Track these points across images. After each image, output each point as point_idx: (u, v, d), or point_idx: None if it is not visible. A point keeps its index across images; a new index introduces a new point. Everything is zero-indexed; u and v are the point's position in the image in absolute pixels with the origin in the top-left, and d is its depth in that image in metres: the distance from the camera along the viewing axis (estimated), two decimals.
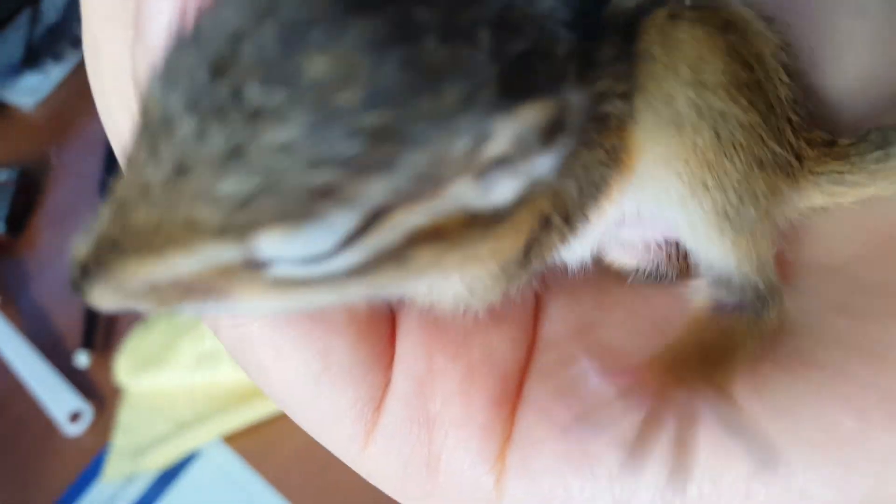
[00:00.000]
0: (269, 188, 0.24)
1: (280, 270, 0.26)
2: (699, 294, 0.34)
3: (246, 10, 0.25)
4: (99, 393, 1.03)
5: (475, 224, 0.27)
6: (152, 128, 0.25)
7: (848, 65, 0.35)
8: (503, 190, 0.27)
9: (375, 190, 0.24)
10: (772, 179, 0.32)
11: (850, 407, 0.29)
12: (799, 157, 0.33)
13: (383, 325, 0.37)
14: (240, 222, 0.24)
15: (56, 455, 1.00)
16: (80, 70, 1.35)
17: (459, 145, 0.24)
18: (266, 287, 0.27)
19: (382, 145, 0.24)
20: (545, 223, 0.31)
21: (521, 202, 0.28)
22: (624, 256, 0.37)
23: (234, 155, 0.24)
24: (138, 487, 0.94)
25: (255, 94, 0.24)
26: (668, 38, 0.30)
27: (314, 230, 0.25)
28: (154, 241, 0.25)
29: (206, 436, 0.93)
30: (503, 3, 0.26)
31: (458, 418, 0.33)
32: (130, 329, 1.03)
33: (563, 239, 0.33)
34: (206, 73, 0.24)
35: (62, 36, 1.36)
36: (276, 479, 0.91)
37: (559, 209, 0.31)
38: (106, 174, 1.20)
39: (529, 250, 0.32)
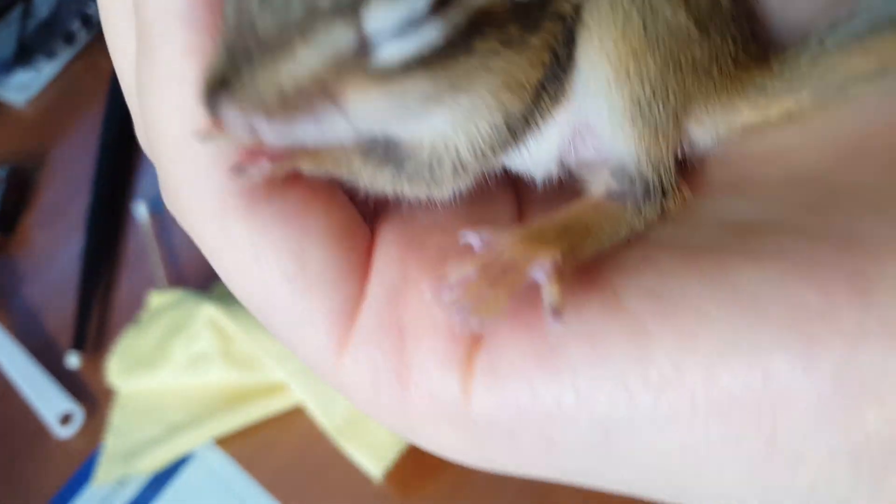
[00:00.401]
0: None
1: (384, 53, 0.30)
2: (596, 180, 0.37)
3: None
4: (90, 394, 1.02)
5: (514, 18, 0.32)
6: None
7: None
8: None
9: None
10: (688, 84, 0.34)
11: (815, 285, 0.29)
12: (723, 68, 0.35)
13: (361, 236, 0.38)
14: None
15: (47, 457, 0.99)
16: (72, 67, 1.34)
17: None
18: (372, 83, 0.30)
19: None
20: (551, 62, 0.34)
21: (543, 8, 0.32)
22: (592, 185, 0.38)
23: None
24: (130, 490, 0.93)
25: None
26: None
27: None
28: (283, 41, 0.29)
29: (198, 439, 0.92)
30: None
31: (429, 324, 0.33)
32: (122, 330, 1.02)
33: (551, 97, 0.35)
34: None
35: (54, 32, 1.34)
36: (269, 483, 0.90)
37: (558, 45, 0.34)
38: (98, 172, 1.19)
39: (537, 98, 0.35)
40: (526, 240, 0.34)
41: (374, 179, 0.38)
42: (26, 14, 1.37)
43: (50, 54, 1.33)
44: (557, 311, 0.31)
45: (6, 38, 1.36)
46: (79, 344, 1.05)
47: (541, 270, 0.32)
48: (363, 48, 0.30)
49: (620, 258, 0.33)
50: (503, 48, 0.32)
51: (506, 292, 0.32)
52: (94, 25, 1.34)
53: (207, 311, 0.94)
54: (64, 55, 1.34)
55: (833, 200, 0.32)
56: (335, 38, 0.29)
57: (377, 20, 0.29)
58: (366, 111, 0.32)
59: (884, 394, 0.27)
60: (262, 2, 0.29)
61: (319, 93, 0.30)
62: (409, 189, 0.38)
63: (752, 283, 0.30)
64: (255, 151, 0.34)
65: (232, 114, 0.30)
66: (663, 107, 0.34)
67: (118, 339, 1.00)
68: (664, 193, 0.36)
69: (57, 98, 1.32)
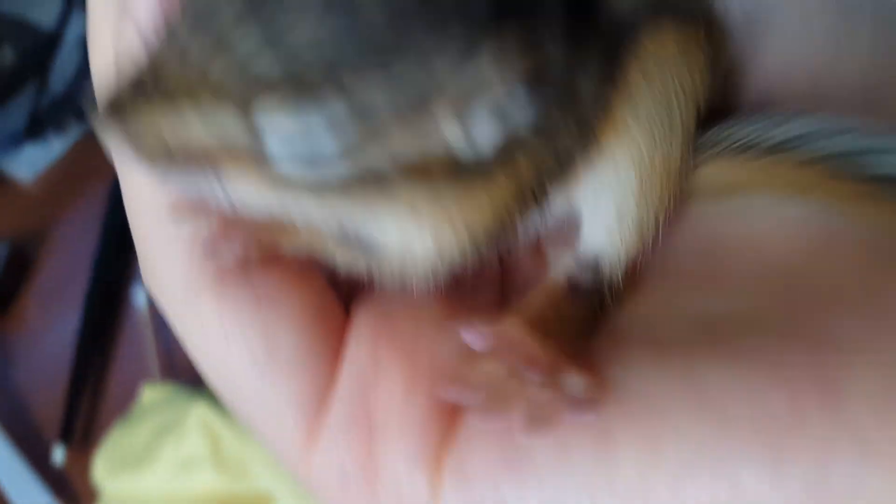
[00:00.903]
0: (288, 71, 0.27)
1: (281, 166, 0.29)
2: (563, 269, 0.38)
3: None
4: (73, 493, 0.98)
5: (458, 176, 0.30)
6: (199, 10, 0.29)
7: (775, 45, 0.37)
8: (484, 133, 0.29)
9: (372, 88, 0.27)
10: (670, 189, 0.36)
11: (784, 391, 0.28)
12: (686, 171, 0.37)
13: (334, 319, 0.37)
14: (249, 91, 0.27)
15: None
16: (82, 144, 1.34)
17: (443, 60, 0.27)
18: (263, 178, 0.30)
19: (389, 52, 0.27)
20: (519, 192, 0.33)
21: (500, 162, 0.31)
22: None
23: (270, 41, 0.27)
24: None
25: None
26: (662, 47, 0.35)
27: (312, 114, 0.27)
28: (177, 93, 0.28)
29: None
30: None
31: (399, 422, 0.32)
32: (112, 422, 0.99)
33: (526, 215, 0.35)
34: None
35: (67, 108, 1.35)
36: None
37: (534, 177, 0.33)
38: (99, 254, 1.17)
39: (500, 225, 0.34)
40: (529, 331, 0.34)
41: (349, 262, 0.37)
42: (41, 89, 1.37)
43: (60, 129, 1.33)
44: (582, 404, 0.30)
45: (19, 111, 1.36)
46: (66, 436, 1.01)
47: (573, 380, 0.31)
48: (256, 145, 0.29)
49: (590, 354, 0.33)
50: (436, 197, 0.31)
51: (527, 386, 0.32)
52: None
53: (199, 411, 0.92)
54: (75, 132, 1.34)
55: (804, 296, 0.31)
56: (224, 122, 0.29)
57: (269, 126, 0.28)
58: (247, 196, 0.31)
59: None
60: (182, 49, 0.29)
61: (198, 159, 0.30)
62: (382, 274, 0.37)
63: (719, 387, 0.29)
64: (229, 228, 0.34)
65: (111, 140, 0.30)
66: (651, 213, 0.36)
67: (107, 434, 0.97)
68: (619, 286, 0.37)
69: (64, 175, 1.31)
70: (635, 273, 0.37)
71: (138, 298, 1.11)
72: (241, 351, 0.34)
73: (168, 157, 0.30)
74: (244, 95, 0.28)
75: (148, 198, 0.35)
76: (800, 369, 0.28)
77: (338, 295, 0.38)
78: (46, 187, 1.30)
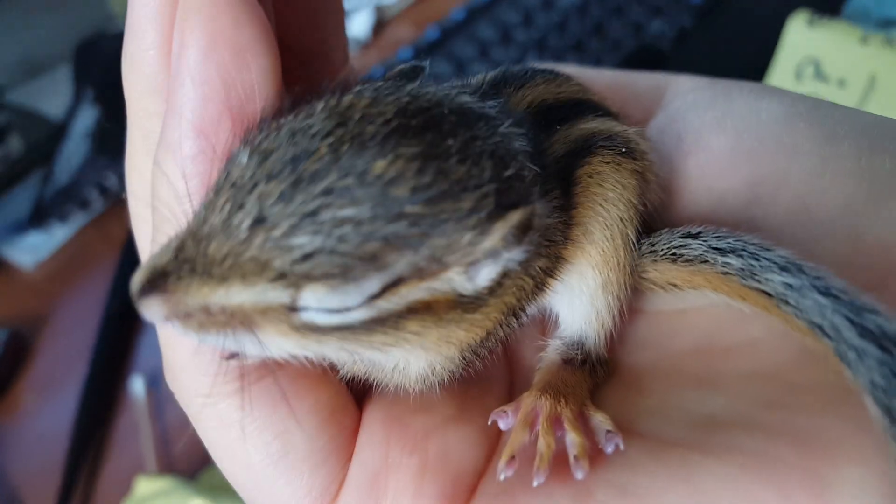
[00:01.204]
0: (329, 249, 0.31)
1: (308, 316, 0.33)
2: (554, 350, 0.46)
3: (326, 119, 0.33)
4: None
5: (457, 307, 0.35)
6: (236, 184, 0.33)
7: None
8: (484, 276, 0.35)
9: (402, 263, 0.32)
10: (628, 278, 0.44)
11: (773, 487, 0.30)
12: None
13: (347, 416, 0.39)
14: (298, 272, 0.31)
15: None
16: (84, 233, 1.38)
17: (466, 238, 0.33)
18: (290, 329, 0.33)
19: (416, 229, 0.32)
20: (508, 313, 0.39)
21: (493, 293, 0.36)
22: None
23: (308, 217, 0.31)
24: None
25: (332, 177, 0.32)
26: (598, 174, 0.43)
27: (350, 289, 0.32)
28: (225, 271, 0.32)
29: None
30: (496, 140, 0.36)
31: None
32: None
33: (510, 330, 0.41)
34: (290, 156, 0.32)
35: (71, 198, 1.39)
36: None
37: (520, 301, 0.40)
38: (98, 342, 1.20)
39: (488, 337, 0.39)
40: (546, 396, 0.40)
41: (357, 370, 0.41)
42: (46, 179, 1.42)
43: (64, 219, 1.37)
44: (584, 463, 0.34)
45: (24, 200, 1.40)
46: None
47: (602, 422, 0.38)
48: (292, 307, 0.33)
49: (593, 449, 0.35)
50: (436, 327, 0.36)
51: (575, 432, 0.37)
52: (110, 194, 1.38)
53: None
54: (77, 220, 1.38)
55: (792, 397, 0.33)
56: (270, 294, 0.32)
57: (312, 299, 0.32)
58: (283, 349, 0.35)
59: None
60: (224, 225, 0.32)
61: (240, 322, 0.33)
62: (389, 384, 0.41)
63: (713, 484, 0.31)
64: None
65: (156, 312, 0.32)
66: (614, 301, 0.44)
67: None
68: (604, 358, 0.45)
69: (65, 263, 1.34)
70: (613, 342, 0.44)
71: (136, 388, 1.13)
72: (258, 449, 0.37)
73: (207, 321, 0.33)
74: (291, 276, 0.31)
75: None
76: (788, 465, 0.31)
77: (351, 393, 0.41)
78: (47, 275, 1.34)
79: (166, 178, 0.35)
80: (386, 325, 0.34)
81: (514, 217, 0.33)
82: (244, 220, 0.32)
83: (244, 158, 0.33)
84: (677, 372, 0.39)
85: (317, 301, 0.32)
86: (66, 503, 1.04)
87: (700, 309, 0.41)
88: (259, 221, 0.32)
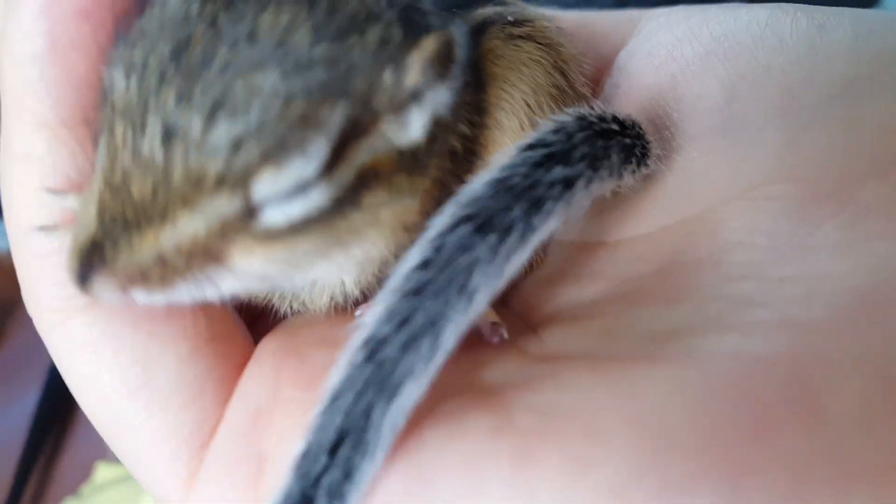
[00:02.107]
0: (255, 128, 0.28)
1: (269, 216, 0.29)
2: None
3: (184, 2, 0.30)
4: None
5: (402, 168, 0.32)
6: (126, 110, 0.29)
7: None
8: (415, 123, 0.32)
9: (335, 116, 0.29)
10: None
11: (745, 390, 0.26)
12: None
13: (232, 346, 0.34)
14: (237, 168, 0.28)
15: None
16: None
17: (386, 77, 0.30)
18: (255, 242, 0.30)
19: (332, 71, 0.29)
20: (447, 183, 0.36)
21: (430, 151, 0.33)
22: None
23: (218, 106, 0.28)
24: None
25: (222, 52, 0.28)
26: (493, 53, 0.39)
27: (297, 159, 0.28)
28: (162, 207, 0.28)
29: None
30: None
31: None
32: (58, 501, 0.97)
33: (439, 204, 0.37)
34: (168, 52, 0.29)
35: None
36: None
37: (454, 168, 0.36)
38: None
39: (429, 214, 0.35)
40: None
41: (259, 291, 0.37)
42: None
43: None
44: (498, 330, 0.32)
45: None
46: None
47: None
48: (249, 212, 0.29)
49: (525, 373, 0.30)
50: (391, 199, 0.33)
51: None
52: None
53: None
54: None
55: (774, 292, 0.29)
56: (221, 206, 0.28)
57: (265, 189, 0.29)
58: (254, 271, 0.31)
59: None
60: (135, 157, 0.28)
61: (202, 256, 0.29)
62: (291, 304, 0.37)
63: (658, 395, 0.26)
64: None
65: (107, 291, 0.29)
66: None
67: None
68: None
69: None
70: None
71: None
72: (113, 376, 0.31)
73: (167, 273, 0.29)
74: (232, 176, 0.28)
75: (20, 210, 0.33)
76: (766, 365, 0.26)
77: (245, 329, 0.36)
78: None
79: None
80: (345, 205, 0.31)
81: (429, 44, 0.31)
82: (154, 142, 0.28)
83: (120, 80, 0.29)
84: (637, 293, 0.34)
85: (270, 187, 0.29)
86: (22, 486, 1.02)
87: (666, 227, 0.36)
88: (169, 135, 0.28)
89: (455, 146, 0.36)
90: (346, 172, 0.30)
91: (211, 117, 0.28)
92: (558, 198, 0.31)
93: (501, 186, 0.31)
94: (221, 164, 0.28)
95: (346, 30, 0.30)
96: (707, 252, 0.32)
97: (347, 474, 0.27)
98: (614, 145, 0.34)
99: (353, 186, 0.31)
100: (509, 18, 0.40)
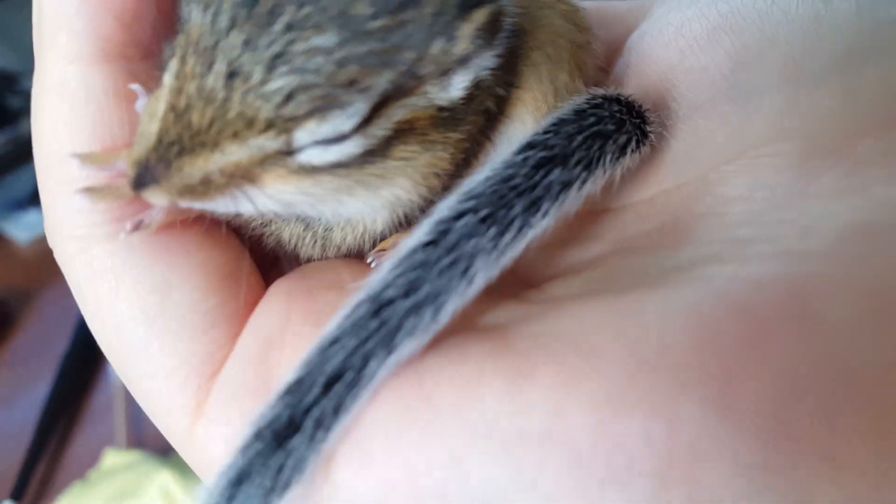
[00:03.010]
0: (308, 84, 0.30)
1: (306, 156, 0.32)
2: None
3: None
4: None
5: (439, 124, 0.34)
6: (199, 44, 0.31)
7: None
8: (458, 84, 0.34)
9: (382, 82, 0.31)
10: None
11: (733, 311, 0.26)
12: None
13: (249, 284, 0.35)
14: (285, 116, 0.30)
15: None
16: None
17: (436, 46, 0.32)
18: (289, 173, 0.32)
19: (385, 43, 0.31)
20: (477, 135, 0.38)
21: (468, 108, 0.35)
22: None
23: (279, 58, 0.30)
24: None
25: (290, 9, 0.30)
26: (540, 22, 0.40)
27: (339, 116, 0.31)
28: (215, 137, 0.31)
29: None
30: None
31: None
32: (69, 486, 0.98)
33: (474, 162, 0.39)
34: (242, 1, 0.31)
35: None
36: None
37: (486, 124, 0.38)
38: (81, 319, 1.19)
39: (467, 161, 0.38)
40: None
41: (277, 230, 0.38)
42: None
43: None
44: None
45: (30, 179, 1.42)
46: (17, 495, 1.00)
47: None
48: (289, 151, 0.32)
49: (524, 312, 0.31)
50: (423, 150, 0.35)
51: None
52: None
53: (161, 480, 0.92)
54: None
55: (779, 229, 0.29)
56: (265, 144, 0.31)
57: (305, 137, 0.31)
58: (284, 197, 0.33)
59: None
60: (199, 90, 0.31)
61: (242, 178, 0.32)
62: (313, 247, 0.39)
63: (651, 314, 0.26)
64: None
65: (157, 199, 0.31)
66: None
67: (62, 495, 0.96)
68: None
69: None
70: None
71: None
72: (130, 302, 0.32)
73: (209, 189, 0.31)
74: (280, 122, 0.31)
75: (50, 138, 0.34)
76: (769, 284, 0.26)
77: (258, 273, 0.37)
78: (41, 252, 1.34)
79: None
80: (376, 155, 0.34)
81: (479, 16, 0.33)
82: (218, 80, 0.31)
83: (197, 15, 0.32)
84: (638, 246, 0.34)
85: (310, 136, 0.31)
86: (29, 472, 1.03)
87: (668, 190, 0.36)
88: (233, 76, 0.31)
89: (490, 106, 0.38)
90: (384, 127, 0.33)
91: (271, 67, 0.30)
92: (555, 199, 0.33)
93: (504, 185, 0.33)
94: (272, 110, 0.30)
95: (403, 2, 0.31)
96: (707, 207, 0.33)
97: (336, 409, 0.28)
98: (609, 146, 0.36)
99: (388, 138, 0.33)
100: None
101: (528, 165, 0.34)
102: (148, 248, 0.33)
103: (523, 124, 0.40)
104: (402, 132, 0.34)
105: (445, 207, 0.32)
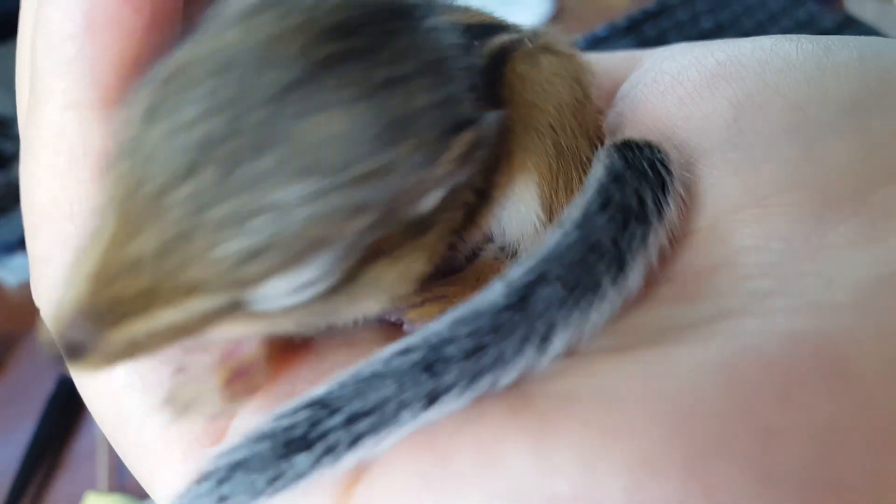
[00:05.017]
0: (270, 245, 0.27)
1: (261, 306, 0.29)
2: (489, 252, 0.41)
3: (220, 83, 0.27)
4: None
5: (407, 237, 0.32)
6: (132, 200, 0.27)
7: None
8: (431, 201, 0.31)
9: (355, 229, 0.28)
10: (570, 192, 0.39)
11: (761, 364, 0.25)
12: None
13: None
14: (234, 280, 0.27)
15: None
16: None
17: (413, 178, 0.29)
18: (245, 320, 0.29)
19: (359, 193, 0.27)
20: (449, 231, 0.36)
21: (441, 212, 0.32)
22: None
23: (237, 219, 0.26)
24: None
25: (249, 161, 0.26)
26: (529, 78, 0.38)
27: (300, 272, 0.28)
28: (140, 305, 0.27)
29: None
30: (430, 42, 0.31)
31: None
32: None
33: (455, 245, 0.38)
34: (195, 148, 0.26)
35: None
36: None
37: (467, 216, 0.37)
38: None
39: (435, 259, 0.35)
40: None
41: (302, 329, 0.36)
42: None
43: None
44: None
45: (17, 222, 1.43)
46: None
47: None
48: (240, 305, 0.29)
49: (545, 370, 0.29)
50: (393, 264, 0.32)
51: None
52: None
53: None
54: None
55: (789, 281, 0.29)
56: (210, 305, 0.28)
57: (261, 292, 0.28)
58: (236, 335, 0.32)
59: None
60: (130, 263, 0.27)
61: (185, 334, 0.29)
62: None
63: (681, 371, 0.25)
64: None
65: (86, 371, 0.28)
66: (549, 206, 0.39)
67: None
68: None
69: None
70: None
71: None
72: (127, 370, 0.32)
73: (145, 347, 0.28)
74: (231, 282, 0.27)
75: (45, 195, 0.33)
76: (794, 339, 0.25)
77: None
78: (28, 296, 1.33)
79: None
80: (341, 285, 0.31)
81: (463, 142, 0.30)
82: (147, 249, 0.27)
83: (126, 164, 0.28)
84: (650, 298, 0.32)
85: (265, 293, 0.28)
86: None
87: (677, 240, 0.34)
88: (170, 243, 0.27)
89: (469, 199, 0.36)
90: (350, 263, 0.30)
91: (221, 228, 0.26)
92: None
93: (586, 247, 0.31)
94: (218, 276, 0.27)
95: (384, 141, 0.28)
96: (720, 257, 0.31)
97: (351, 445, 0.27)
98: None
99: (353, 268, 0.31)
100: (528, 41, 0.40)
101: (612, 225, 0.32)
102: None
103: (519, 191, 0.39)
104: (370, 256, 0.31)
105: (523, 269, 0.30)
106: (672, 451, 0.23)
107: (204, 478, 0.28)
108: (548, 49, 0.40)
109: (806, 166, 0.32)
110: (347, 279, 0.31)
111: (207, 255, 0.27)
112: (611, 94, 0.44)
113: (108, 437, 0.35)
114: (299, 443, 0.28)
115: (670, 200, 0.33)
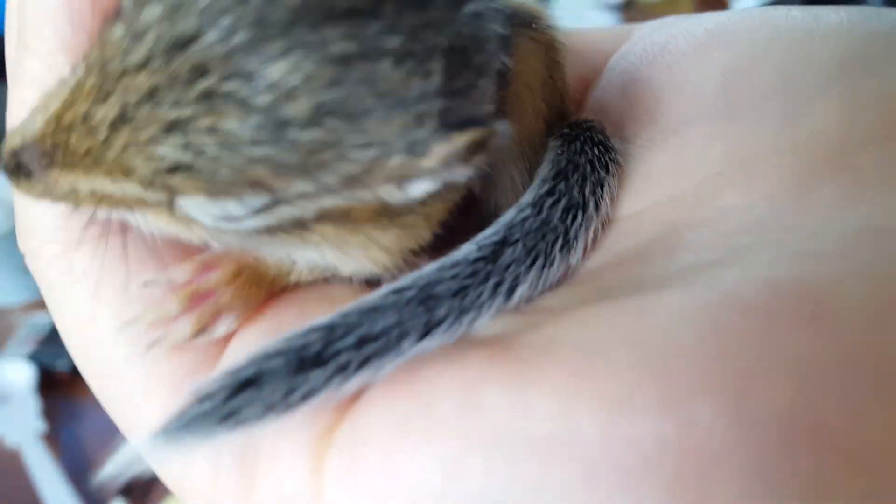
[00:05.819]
0: (201, 168, 0.26)
1: (190, 213, 0.29)
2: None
3: None
4: None
5: (384, 213, 0.31)
6: (105, 66, 0.27)
7: None
8: (419, 189, 0.30)
9: (298, 189, 0.27)
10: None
11: (747, 313, 0.25)
12: None
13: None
14: (167, 182, 0.27)
15: None
16: None
17: (395, 160, 0.28)
18: (175, 219, 0.30)
19: (318, 156, 0.26)
20: (437, 217, 0.35)
21: (427, 203, 0.32)
22: None
23: (177, 127, 0.26)
24: None
25: (213, 76, 0.25)
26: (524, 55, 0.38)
27: (231, 204, 0.28)
28: (88, 164, 0.28)
29: None
30: (455, 29, 0.28)
31: None
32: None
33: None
34: (167, 43, 0.26)
35: None
36: None
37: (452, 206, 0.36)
38: None
39: (418, 239, 0.35)
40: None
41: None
42: None
43: None
44: None
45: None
46: (126, 491, 1.05)
47: None
48: (171, 204, 0.29)
49: (519, 323, 0.30)
50: (354, 232, 0.33)
51: None
52: None
53: None
54: None
55: (786, 233, 0.28)
56: (140, 194, 0.29)
57: (189, 207, 0.29)
58: (163, 231, 0.32)
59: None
60: (85, 118, 0.28)
61: (116, 203, 0.30)
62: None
63: (660, 316, 0.25)
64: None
65: (24, 194, 0.29)
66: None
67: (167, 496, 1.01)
68: None
69: None
70: None
71: None
72: (113, 312, 0.32)
73: (77, 199, 0.30)
74: (159, 184, 0.27)
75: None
76: (779, 287, 0.25)
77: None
78: None
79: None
80: (289, 231, 0.31)
81: (461, 139, 0.28)
82: (106, 118, 0.27)
83: (119, 31, 0.27)
84: (633, 257, 0.32)
85: (195, 208, 0.29)
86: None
87: (660, 202, 0.34)
88: (122, 121, 0.27)
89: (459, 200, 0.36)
90: (299, 209, 0.30)
91: (165, 133, 0.26)
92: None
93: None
94: (151, 173, 0.27)
95: (362, 113, 0.26)
96: (703, 217, 0.31)
97: (360, 366, 0.28)
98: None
99: (305, 220, 0.31)
100: (532, 24, 0.39)
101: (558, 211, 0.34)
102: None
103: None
104: (328, 216, 0.31)
105: (493, 232, 0.33)
106: (649, 392, 0.23)
107: (206, 396, 0.27)
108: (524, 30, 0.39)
109: (792, 130, 0.32)
110: (299, 228, 0.31)
111: (146, 150, 0.27)
112: (600, 66, 0.44)
113: (93, 388, 0.35)
114: (314, 359, 0.28)
115: (606, 183, 0.36)
